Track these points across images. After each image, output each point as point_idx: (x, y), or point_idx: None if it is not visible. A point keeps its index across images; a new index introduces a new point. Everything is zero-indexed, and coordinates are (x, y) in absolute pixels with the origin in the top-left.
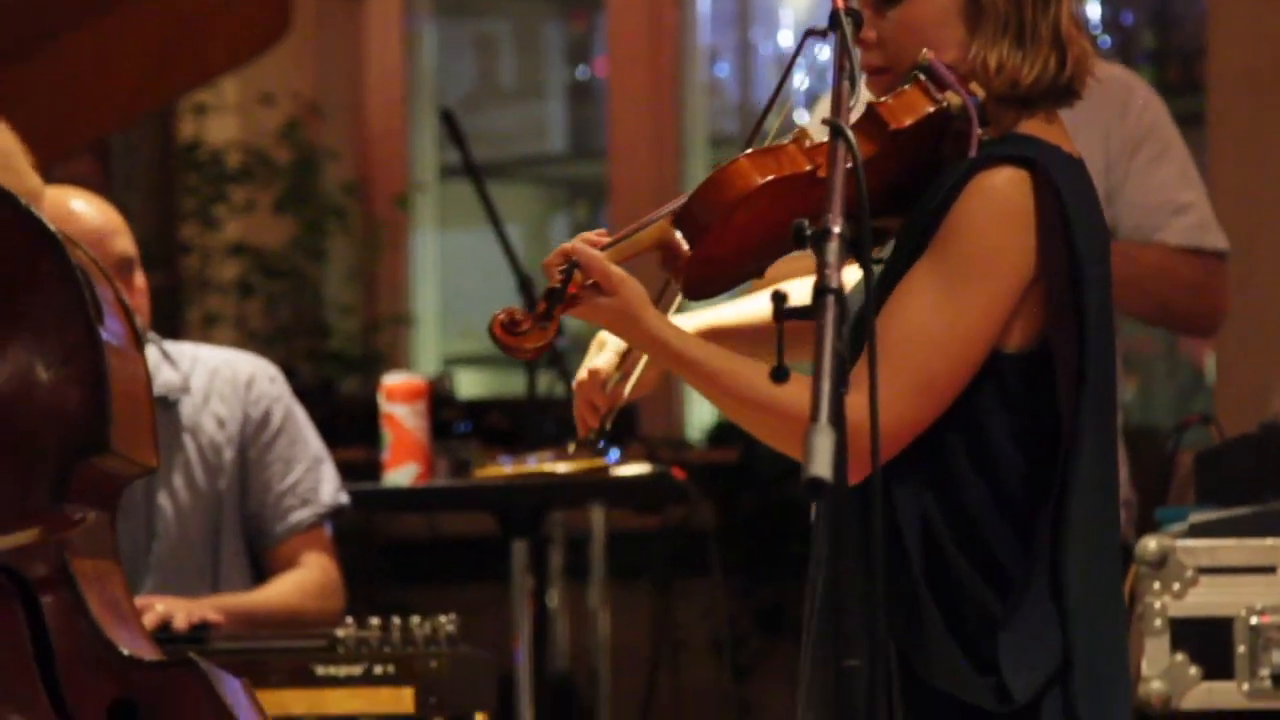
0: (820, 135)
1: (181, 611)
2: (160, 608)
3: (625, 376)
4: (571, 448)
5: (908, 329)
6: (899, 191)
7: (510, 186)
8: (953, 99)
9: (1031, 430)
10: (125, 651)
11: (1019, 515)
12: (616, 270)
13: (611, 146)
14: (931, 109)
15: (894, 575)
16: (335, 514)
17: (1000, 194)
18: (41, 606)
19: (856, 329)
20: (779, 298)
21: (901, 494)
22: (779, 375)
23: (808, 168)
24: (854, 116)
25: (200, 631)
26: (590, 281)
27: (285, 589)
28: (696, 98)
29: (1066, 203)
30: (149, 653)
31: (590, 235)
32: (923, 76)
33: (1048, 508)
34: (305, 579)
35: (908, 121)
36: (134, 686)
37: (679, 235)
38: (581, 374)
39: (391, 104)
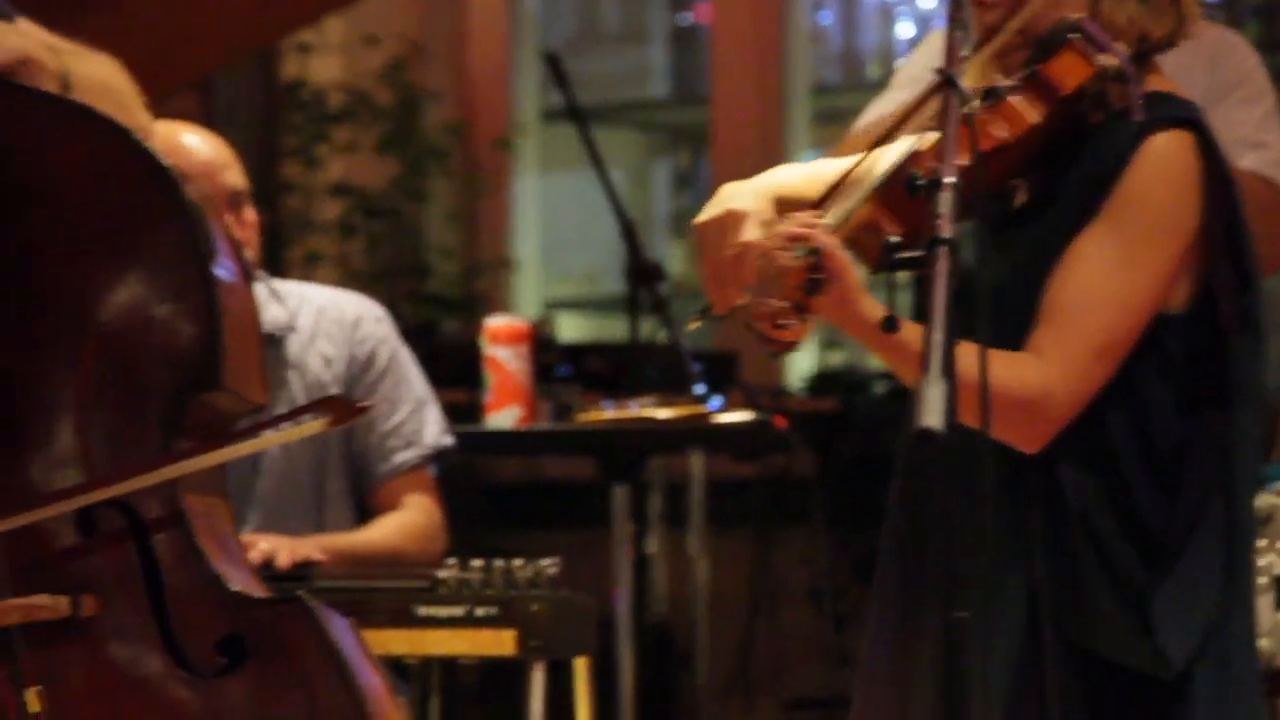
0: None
1: (285, 550)
2: (264, 545)
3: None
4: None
5: (1086, 294)
6: (1039, 154)
7: (611, 131)
8: (1109, 60)
9: (1187, 389)
10: (234, 588)
11: (1173, 476)
12: (841, 256)
13: (714, 93)
14: (1092, 72)
15: (1050, 541)
16: (439, 456)
17: (1173, 158)
18: (154, 543)
19: (1019, 296)
20: (890, 247)
21: (1059, 460)
22: (889, 325)
23: (1005, 134)
24: (965, 66)
25: (302, 570)
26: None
27: (388, 530)
28: (799, 45)
29: (1222, 160)
30: (257, 590)
31: (807, 217)
32: (1076, 38)
33: (1210, 468)
34: (408, 521)
35: (1073, 85)
36: (243, 623)
37: (887, 212)
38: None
39: (494, 46)
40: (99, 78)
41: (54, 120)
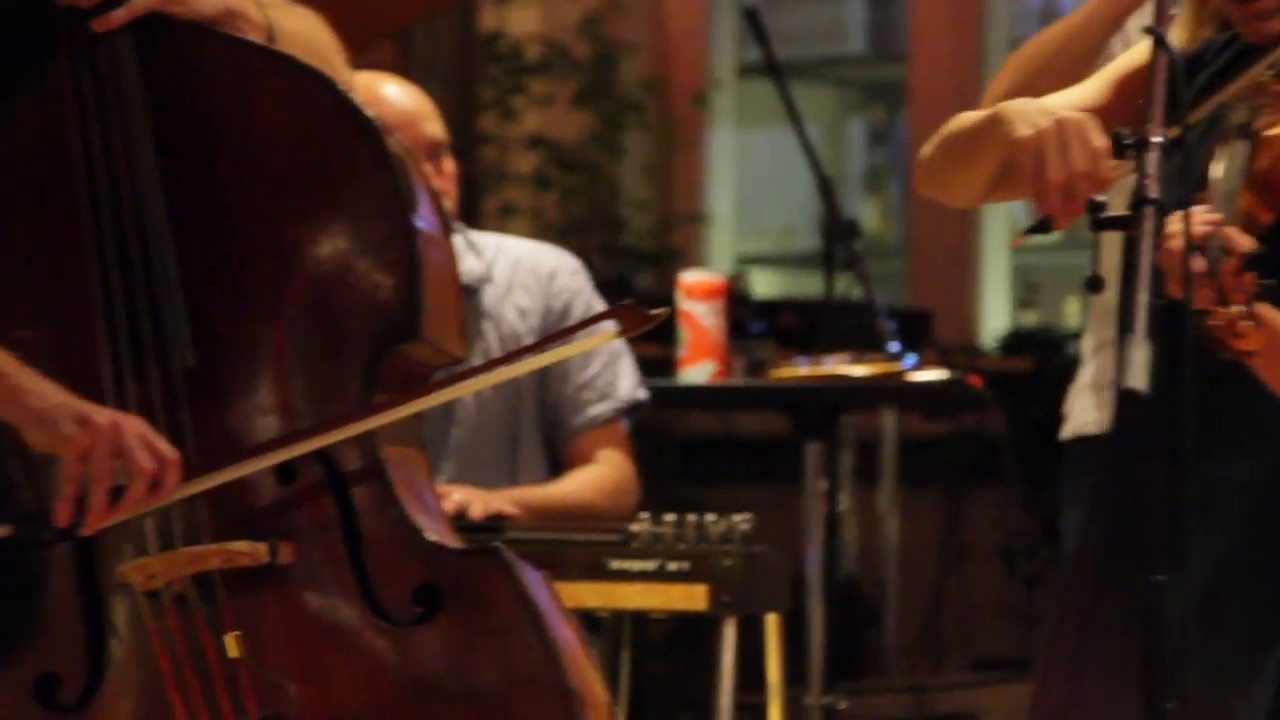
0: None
1: (478, 502)
2: (457, 496)
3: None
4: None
5: None
6: None
7: (807, 87)
8: None
9: None
10: (431, 538)
11: None
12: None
13: (912, 48)
14: None
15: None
16: (633, 409)
17: None
18: (352, 493)
19: None
20: (1095, 207)
21: None
22: (1092, 285)
23: None
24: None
25: (495, 523)
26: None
27: (581, 484)
28: (999, 1)
29: None
30: (452, 541)
31: (1204, 214)
32: None
33: None
34: (601, 475)
35: None
36: (438, 572)
37: (1260, 203)
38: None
39: (692, 0)
40: (301, 31)
41: (260, 70)
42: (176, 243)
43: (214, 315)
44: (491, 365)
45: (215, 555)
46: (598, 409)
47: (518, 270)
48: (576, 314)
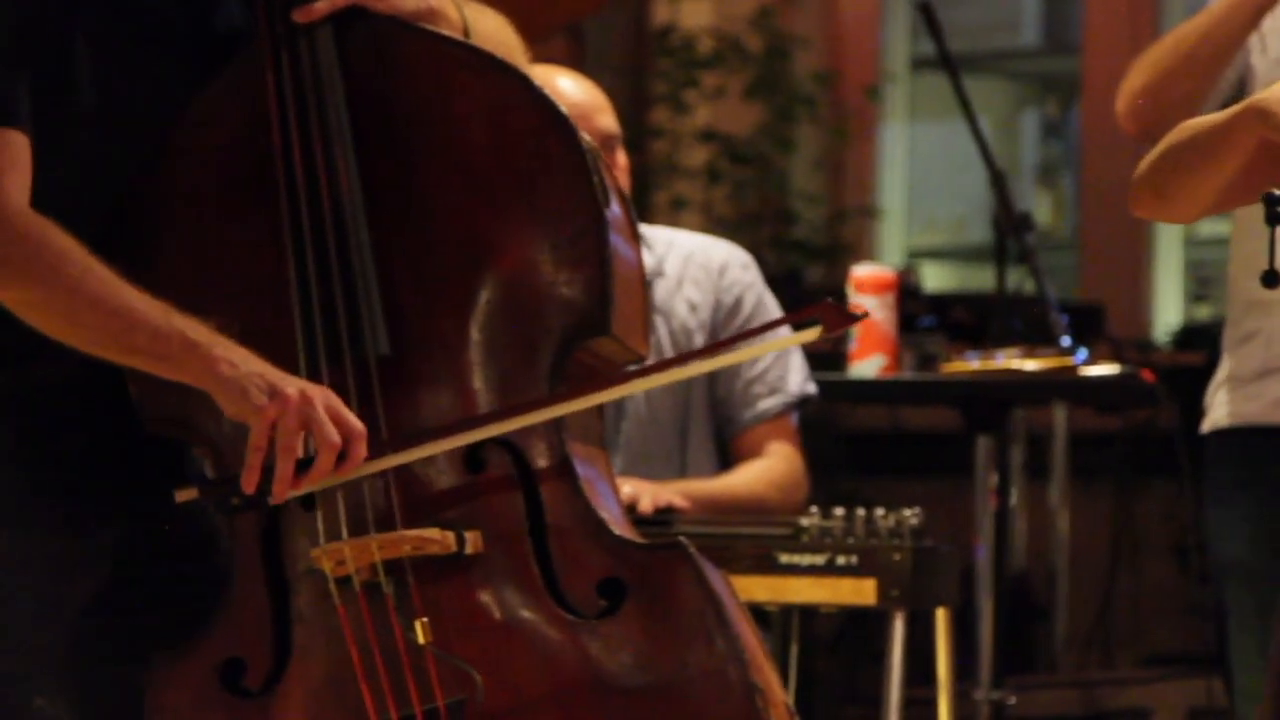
0: None
1: (647, 495)
2: (627, 489)
3: None
4: None
5: None
6: None
7: (980, 80)
8: None
9: None
10: (616, 532)
11: None
12: None
13: (1085, 41)
14: None
15: None
16: (802, 403)
17: None
18: (539, 485)
19: None
20: (1272, 200)
21: None
22: (1269, 280)
23: None
24: None
25: (664, 516)
26: None
27: (751, 477)
28: None
29: None
30: (633, 535)
31: None
32: None
33: None
34: (770, 468)
35: None
36: (623, 566)
37: None
38: None
39: None
40: (493, 30)
41: (457, 65)
42: (372, 233)
43: (407, 306)
44: (687, 358)
45: (406, 542)
46: (767, 403)
47: (689, 265)
48: (747, 308)
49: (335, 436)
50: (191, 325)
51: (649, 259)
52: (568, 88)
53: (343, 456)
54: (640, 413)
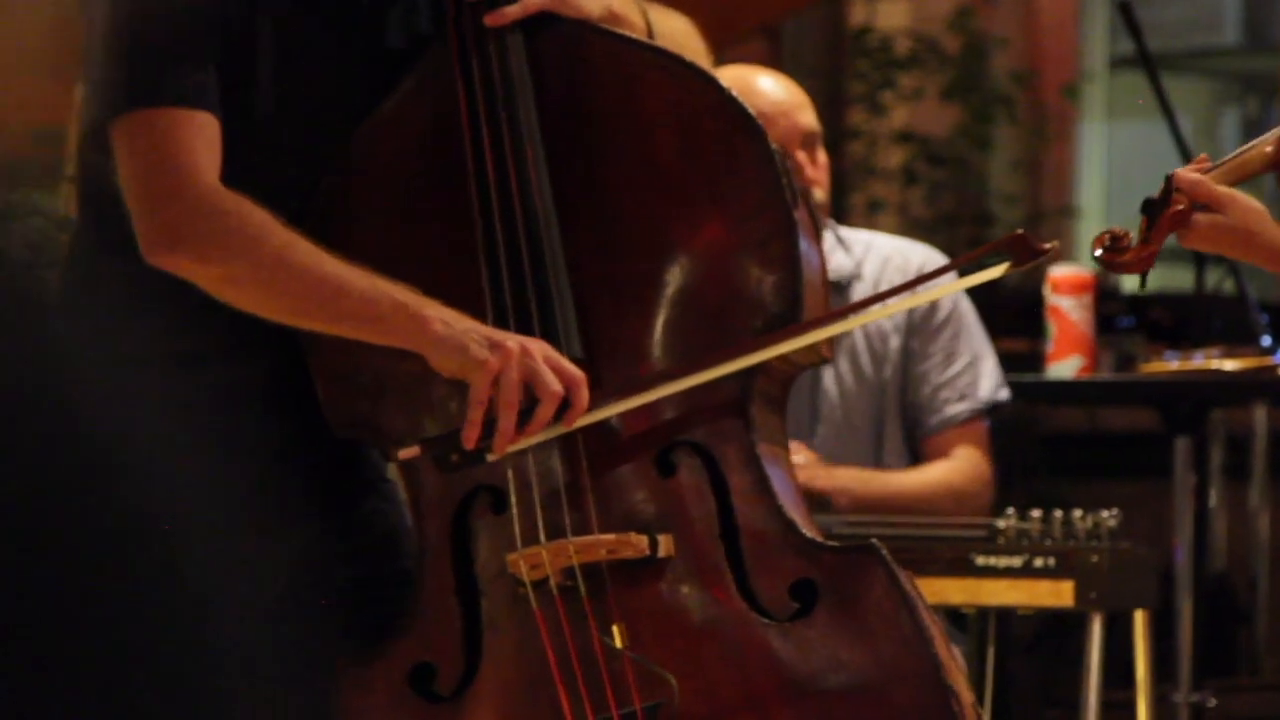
0: None
1: (802, 474)
2: (798, 458)
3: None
4: None
5: None
6: None
7: (1180, 79)
8: None
9: None
10: (807, 534)
11: None
12: (1221, 188)
13: None
14: None
15: None
16: (993, 410)
17: None
18: (729, 485)
19: None
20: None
21: None
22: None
23: None
24: None
25: (816, 500)
26: (1199, 204)
27: (927, 478)
28: None
29: None
30: (821, 537)
31: (1192, 166)
32: None
33: None
34: (949, 470)
35: None
36: (815, 568)
37: None
38: None
39: None
40: (677, 32)
41: (645, 66)
42: (562, 236)
43: (597, 308)
44: (875, 299)
45: (602, 546)
46: (956, 408)
47: (886, 268)
48: (942, 312)
49: (558, 385)
50: (399, 288)
51: (847, 261)
52: (768, 86)
53: (565, 407)
54: (836, 417)
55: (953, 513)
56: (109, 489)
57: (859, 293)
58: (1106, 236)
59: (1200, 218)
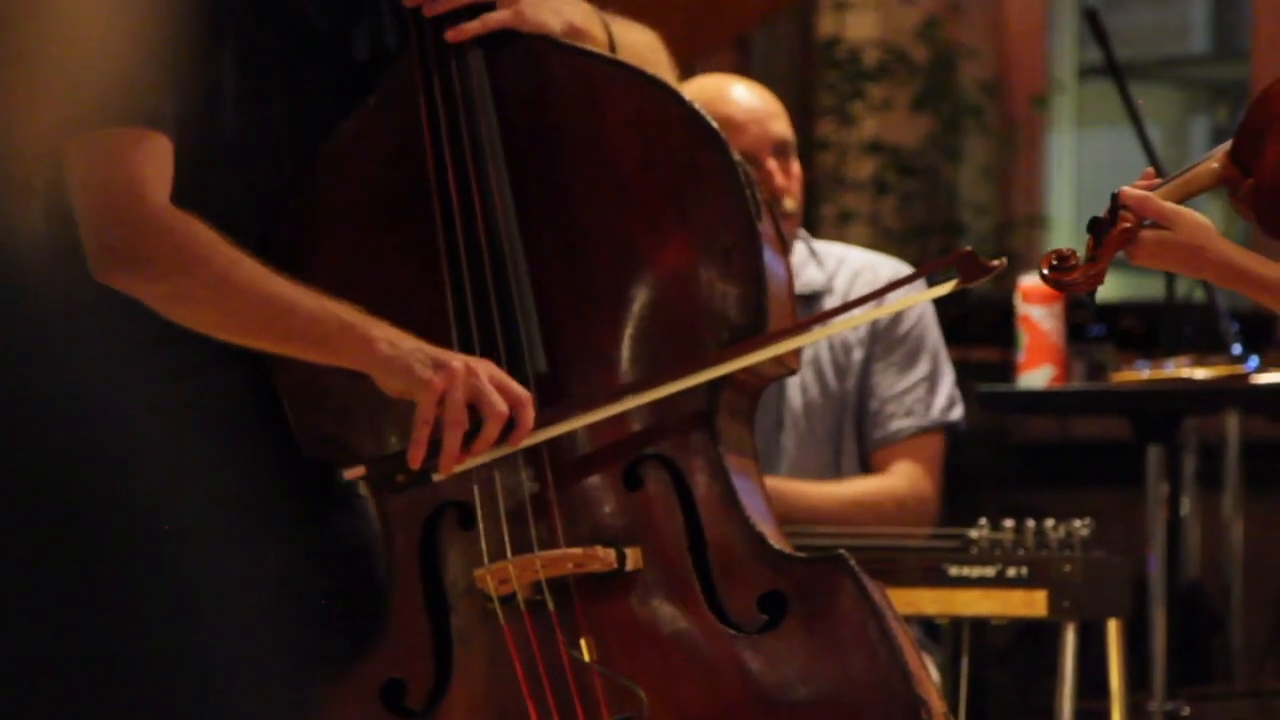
0: None
1: None
2: None
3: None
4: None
5: None
6: None
7: (1149, 87)
8: None
9: None
10: (775, 545)
11: None
12: (1168, 204)
13: (1255, 47)
14: None
15: None
16: (943, 430)
17: None
18: (696, 498)
19: None
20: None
21: None
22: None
23: None
24: None
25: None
26: (1146, 221)
27: (848, 492)
28: None
29: None
30: (789, 548)
31: (1140, 183)
32: None
33: None
34: (879, 487)
35: None
36: (783, 580)
37: (1236, 167)
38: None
39: (1031, 2)
40: (640, 45)
41: (605, 80)
42: (525, 250)
43: (562, 322)
44: (829, 315)
45: (568, 560)
46: (900, 424)
47: (856, 281)
48: (904, 326)
49: (503, 405)
50: (346, 308)
51: (819, 275)
52: (741, 94)
53: (510, 427)
54: (799, 427)
55: (876, 527)
56: (103, 491)
57: (828, 305)
58: (1053, 255)
59: (1147, 234)
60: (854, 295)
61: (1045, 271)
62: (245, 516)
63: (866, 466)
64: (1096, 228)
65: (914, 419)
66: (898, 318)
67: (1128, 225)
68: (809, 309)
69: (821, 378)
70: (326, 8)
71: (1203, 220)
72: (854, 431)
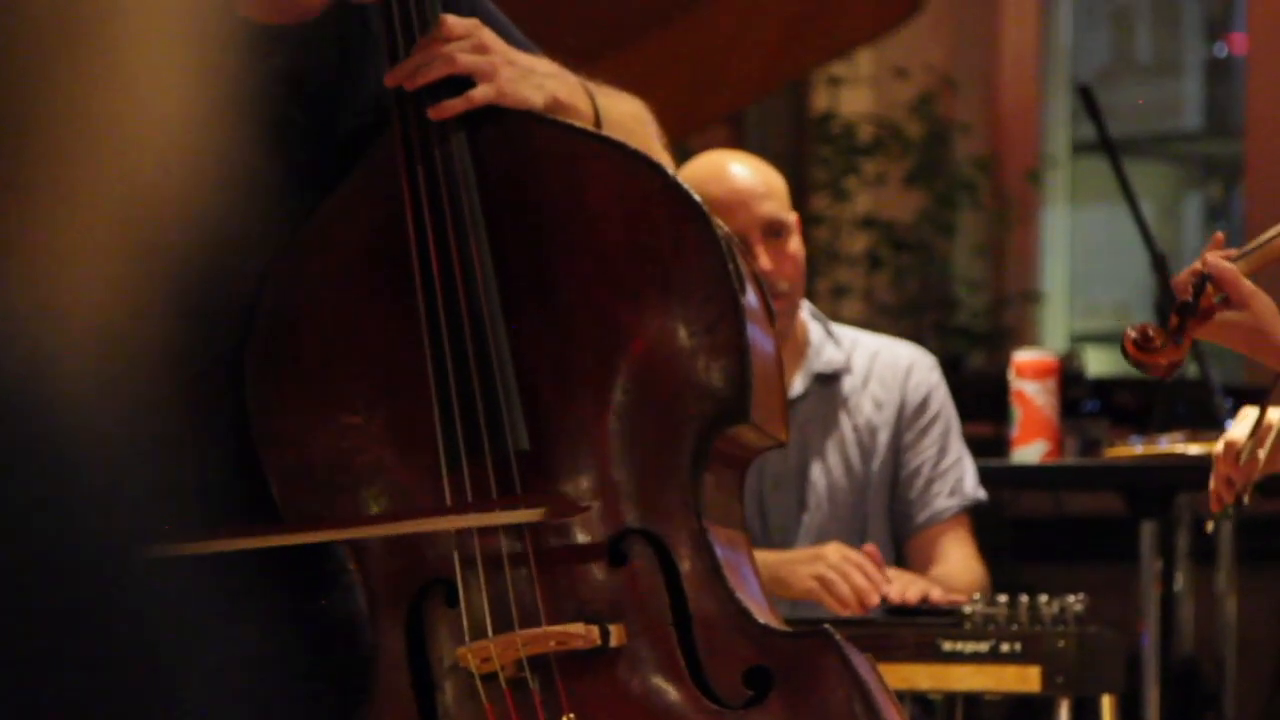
0: None
1: (897, 585)
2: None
3: (1259, 445)
4: (1209, 526)
5: None
6: None
7: (1142, 163)
8: None
9: None
10: (760, 620)
11: None
12: (1247, 284)
13: (1248, 124)
14: None
15: None
16: (975, 508)
17: None
18: (680, 572)
19: None
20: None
21: None
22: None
23: None
24: None
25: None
26: (1220, 296)
27: (967, 572)
28: None
29: None
30: (776, 622)
31: (1219, 250)
32: None
33: None
34: (972, 565)
35: None
36: (769, 655)
37: None
38: (1218, 445)
39: (1025, 78)
40: (627, 117)
41: (588, 155)
42: (509, 327)
43: (545, 399)
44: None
45: (551, 638)
46: (946, 503)
47: (875, 362)
48: (933, 408)
49: None
50: None
51: (838, 354)
52: (736, 174)
53: None
54: (821, 507)
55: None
56: (81, 555)
57: (849, 385)
58: (1135, 333)
59: (1223, 315)
60: (874, 375)
61: (1130, 349)
62: (229, 591)
63: (898, 546)
64: (1184, 310)
65: (957, 498)
66: (924, 402)
67: (1209, 306)
68: (830, 387)
69: (846, 458)
70: (364, 109)
71: (1272, 304)
72: (883, 512)
